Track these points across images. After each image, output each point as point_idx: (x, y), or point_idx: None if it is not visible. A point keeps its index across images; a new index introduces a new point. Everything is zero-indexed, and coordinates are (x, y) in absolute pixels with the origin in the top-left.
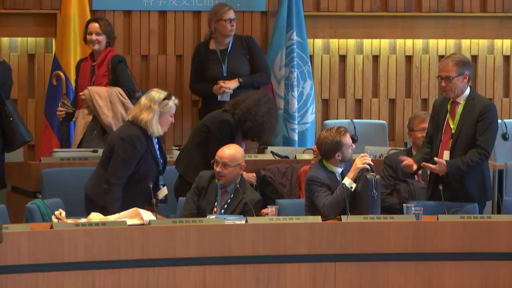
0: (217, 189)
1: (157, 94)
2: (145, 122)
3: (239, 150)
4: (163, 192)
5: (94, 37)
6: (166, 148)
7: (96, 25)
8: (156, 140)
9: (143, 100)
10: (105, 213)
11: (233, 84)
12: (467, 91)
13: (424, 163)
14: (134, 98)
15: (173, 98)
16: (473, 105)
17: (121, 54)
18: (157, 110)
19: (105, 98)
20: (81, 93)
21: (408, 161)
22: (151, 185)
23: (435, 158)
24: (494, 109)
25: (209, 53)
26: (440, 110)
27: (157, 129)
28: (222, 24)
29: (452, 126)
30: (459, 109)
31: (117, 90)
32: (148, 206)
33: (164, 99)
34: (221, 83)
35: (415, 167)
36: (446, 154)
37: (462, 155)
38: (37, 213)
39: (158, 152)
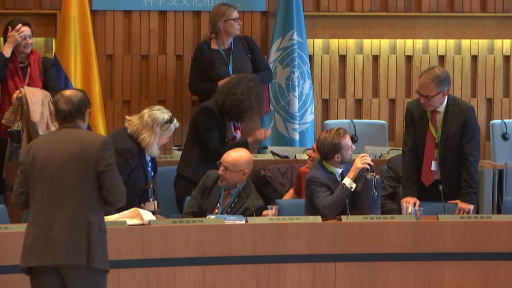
0: (221, 191)
1: (161, 115)
2: (146, 144)
3: (245, 156)
4: (150, 205)
5: (28, 40)
6: (166, 148)
7: (28, 29)
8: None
9: (146, 117)
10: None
11: None
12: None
13: (457, 210)
14: None
15: (174, 121)
16: (454, 111)
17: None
18: (158, 132)
19: (39, 98)
20: (17, 91)
21: (408, 202)
22: (150, 186)
23: (459, 205)
24: (474, 111)
25: (212, 53)
26: (419, 119)
27: (155, 151)
28: (231, 23)
29: (435, 136)
30: (441, 117)
31: (49, 95)
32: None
33: (166, 122)
34: None
35: (417, 202)
36: (434, 165)
37: (451, 165)
38: None
39: (150, 165)
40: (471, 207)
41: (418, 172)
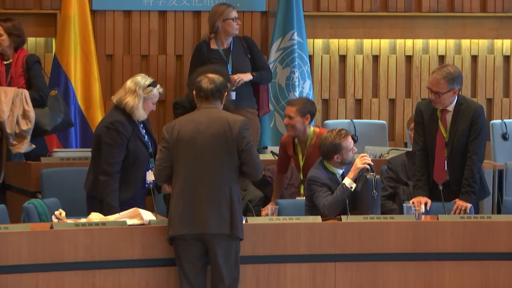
0: None
1: (143, 79)
2: (131, 107)
3: None
4: (151, 175)
5: None
6: None
7: None
8: (142, 124)
9: (129, 83)
10: (105, 211)
11: (247, 76)
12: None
13: (454, 207)
14: (45, 101)
15: (158, 86)
16: (463, 110)
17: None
18: (141, 95)
19: (10, 97)
20: None
21: (419, 203)
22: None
23: (457, 202)
24: (483, 112)
25: (211, 52)
26: (429, 118)
27: (142, 114)
28: (229, 23)
29: (445, 135)
30: (450, 116)
31: (25, 94)
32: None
33: (149, 85)
34: (235, 76)
35: (429, 202)
36: (446, 164)
37: (459, 164)
38: (34, 212)
39: (146, 136)
40: (469, 206)
41: (428, 172)
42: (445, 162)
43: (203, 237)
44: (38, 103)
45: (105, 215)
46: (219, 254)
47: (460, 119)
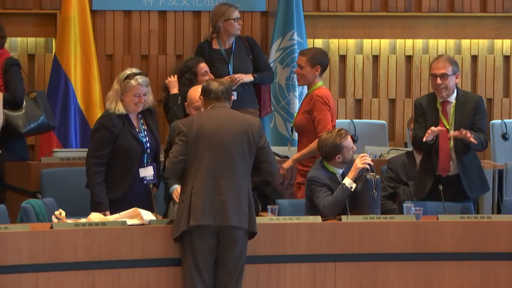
0: None
1: (123, 73)
2: (110, 102)
3: None
4: (147, 171)
5: None
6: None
7: None
8: (141, 120)
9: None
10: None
11: (248, 77)
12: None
13: (455, 133)
14: (19, 104)
15: (137, 77)
16: (465, 102)
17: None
18: (118, 89)
19: None
20: None
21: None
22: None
23: (462, 131)
24: (483, 102)
25: (213, 52)
26: (428, 111)
27: (118, 108)
28: (231, 23)
29: (448, 127)
30: (452, 108)
31: None
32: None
33: (126, 78)
34: (236, 75)
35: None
36: (450, 155)
37: (465, 154)
38: (31, 212)
39: (143, 132)
40: (471, 136)
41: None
42: (450, 153)
43: (221, 230)
44: (12, 105)
45: (93, 211)
46: (235, 248)
47: (464, 109)
